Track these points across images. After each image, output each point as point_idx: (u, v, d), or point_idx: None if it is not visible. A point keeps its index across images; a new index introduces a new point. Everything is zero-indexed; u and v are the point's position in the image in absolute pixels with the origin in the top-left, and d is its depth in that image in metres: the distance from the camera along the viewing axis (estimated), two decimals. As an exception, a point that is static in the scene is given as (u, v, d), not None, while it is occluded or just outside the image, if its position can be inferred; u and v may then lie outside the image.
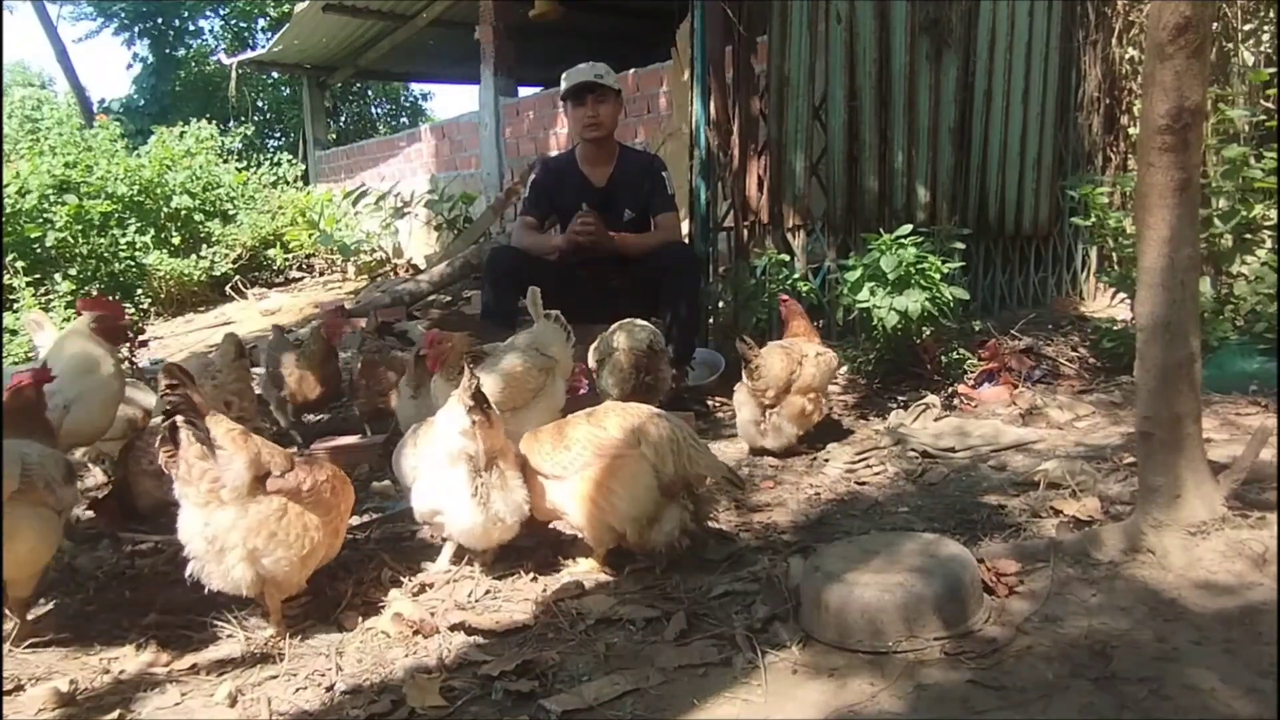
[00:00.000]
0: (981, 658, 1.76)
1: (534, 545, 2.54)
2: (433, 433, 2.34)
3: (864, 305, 3.88)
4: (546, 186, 4.29)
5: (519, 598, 2.25)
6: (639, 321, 3.63)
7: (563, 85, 4.14)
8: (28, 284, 5.94)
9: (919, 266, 3.79)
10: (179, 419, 1.87)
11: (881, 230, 4.00)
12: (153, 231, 8.22)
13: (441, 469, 2.28)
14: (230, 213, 9.73)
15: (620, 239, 4.07)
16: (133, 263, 6.64)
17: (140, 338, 6.34)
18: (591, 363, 3.59)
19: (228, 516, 1.90)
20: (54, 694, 1.81)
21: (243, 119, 14.97)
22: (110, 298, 3.54)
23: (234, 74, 12.23)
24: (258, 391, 4.12)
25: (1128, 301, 4.38)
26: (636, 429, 2.29)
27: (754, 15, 4.60)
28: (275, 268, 9.78)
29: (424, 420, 2.50)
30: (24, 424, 2.23)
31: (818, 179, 4.79)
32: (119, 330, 2.90)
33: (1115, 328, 4.30)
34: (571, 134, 4.42)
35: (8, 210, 6.21)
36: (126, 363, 5.87)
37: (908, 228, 3.92)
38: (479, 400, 2.19)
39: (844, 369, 4.28)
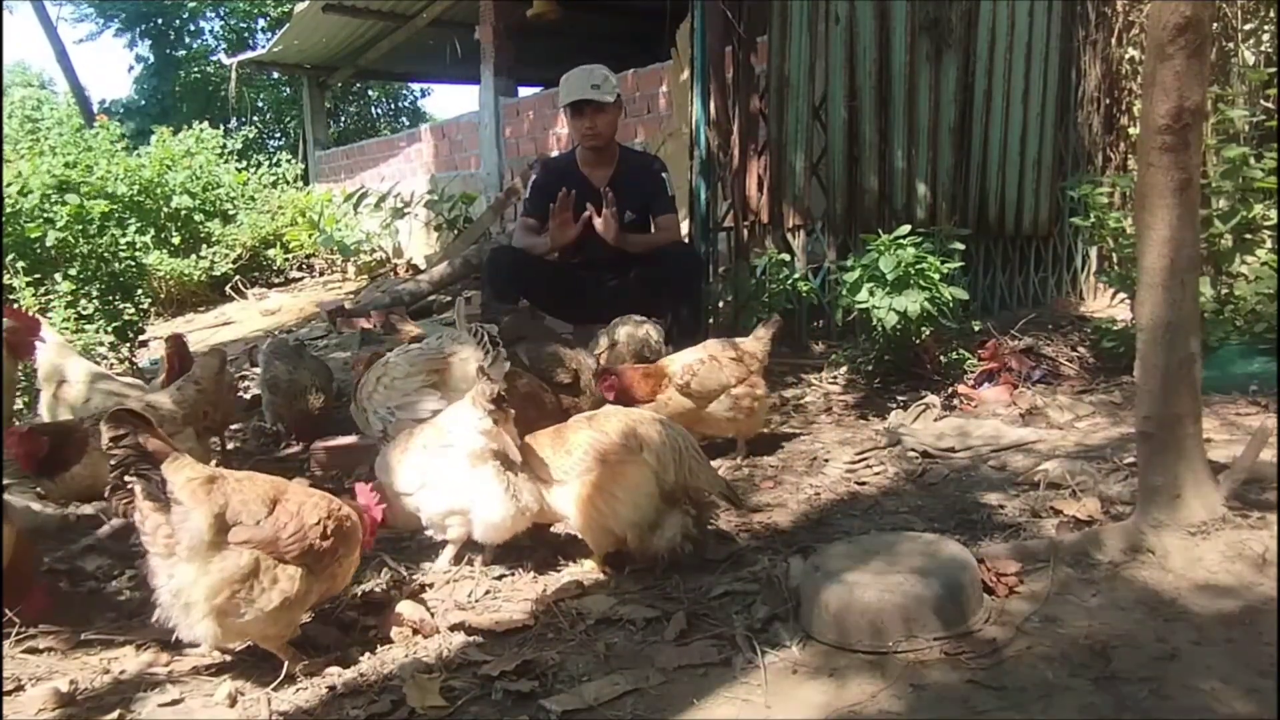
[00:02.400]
0: (981, 658, 1.76)
1: (534, 545, 2.54)
2: (443, 436, 2.34)
3: (863, 306, 3.88)
4: (547, 188, 4.29)
5: (519, 598, 2.25)
6: (639, 317, 3.65)
7: (560, 92, 4.14)
8: (27, 284, 5.92)
9: (918, 267, 3.79)
10: (129, 473, 1.74)
11: (881, 230, 4.00)
12: (153, 231, 8.22)
13: (461, 470, 2.29)
14: (230, 213, 9.73)
15: (622, 236, 4.07)
16: (133, 262, 6.63)
17: (140, 338, 6.36)
18: (596, 351, 3.61)
19: (189, 572, 1.77)
20: (54, 694, 1.81)
21: (244, 121, 14.97)
22: (29, 312, 3.58)
23: (234, 74, 12.24)
24: (254, 392, 4.14)
25: (1128, 301, 4.38)
26: (639, 434, 2.28)
27: (754, 15, 4.60)
28: (275, 268, 9.79)
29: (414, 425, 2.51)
30: None
31: (818, 179, 4.79)
32: (28, 346, 2.97)
33: (1115, 328, 4.29)
34: (572, 136, 4.43)
35: (8, 210, 6.20)
36: (127, 362, 5.90)
37: (906, 228, 3.92)
38: (498, 402, 2.22)
39: (844, 369, 4.28)
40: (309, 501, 1.92)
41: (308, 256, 9.80)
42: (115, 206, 7.08)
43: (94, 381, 3.22)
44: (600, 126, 4.10)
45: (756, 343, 3.32)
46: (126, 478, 1.75)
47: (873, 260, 3.85)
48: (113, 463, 1.74)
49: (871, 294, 3.84)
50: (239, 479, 1.90)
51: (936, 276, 3.81)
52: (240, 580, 1.79)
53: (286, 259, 9.71)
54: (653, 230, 4.23)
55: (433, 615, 2.12)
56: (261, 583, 1.81)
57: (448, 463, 2.31)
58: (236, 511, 1.81)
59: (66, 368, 3.27)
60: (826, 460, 3.25)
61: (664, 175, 4.23)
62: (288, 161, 11.42)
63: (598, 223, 3.94)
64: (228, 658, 1.99)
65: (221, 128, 11.31)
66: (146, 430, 1.78)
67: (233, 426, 3.79)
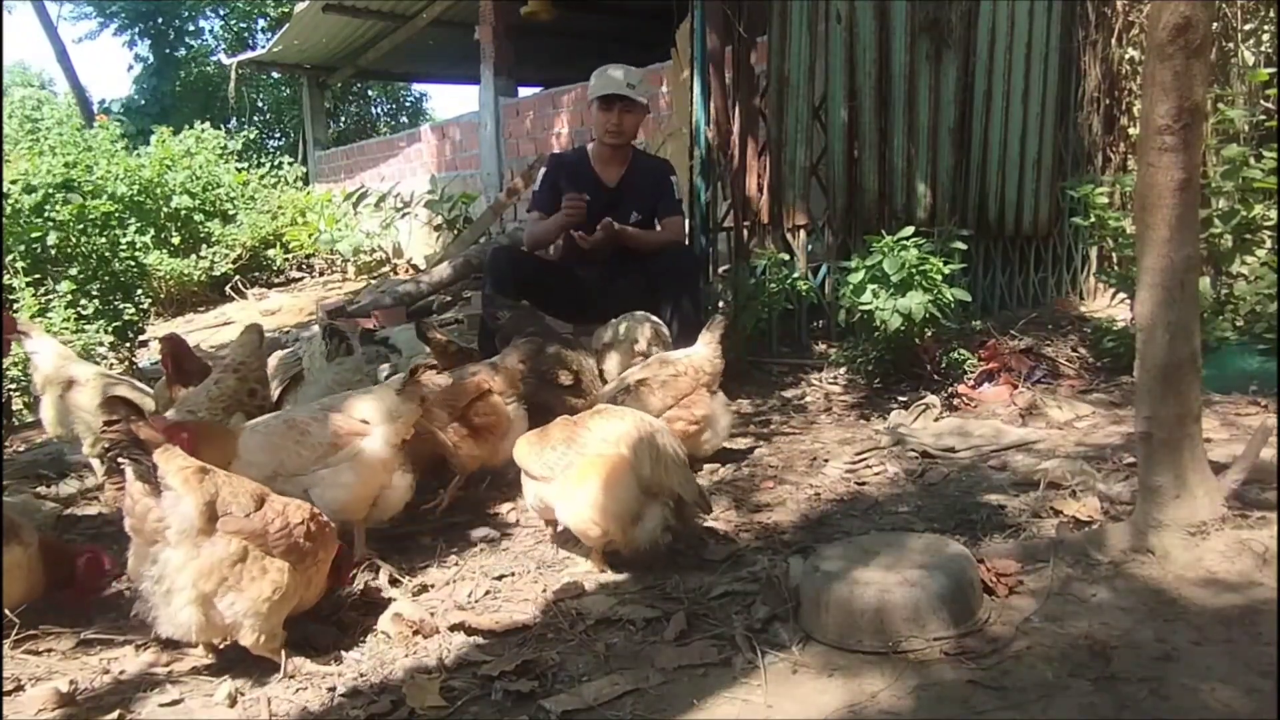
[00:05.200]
0: (981, 658, 1.76)
1: (534, 545, 2.54)
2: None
3: (867, 307, 3.88)
4: (556, 182, 4.29)
5: (519, 598, 2.25)
6: (646, 314, 3.67)
7: (593, 83, 4.16)
8: (27, 284, 5.92)
9: (921, 268, 3.79)
10: (121, 456, 1.78)
11: (882, 231, 4.00)
12: (153, 231, 8.22)
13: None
14: (230, 213, 9.73)
15: (623, 231, 4.08)
16: (133, 262, 6.63)
17: (140, 338, 6.36)
18: (596, 348, 3.64)
19: (177, 556, 1.80)
20: (54, 694, 1.81)
21: (244, 121, 14.98)
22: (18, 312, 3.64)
23: (234, 74, 12.24)
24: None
25: (1128, 301, 4.38)
26: (617, 430, 2.34)
27: (754, 15, 4.60)
28: (275, 268, 9.80)
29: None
30: None
31: (818, 179, 4.79)
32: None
33: (1115, 328, 4.30)
34: (591, 132, 4.46)
35: (9, 210, 6.20)
36: (127, 362, 5.89)
37: (910, 229, 3.92)
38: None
39: (844, 369, 4.28)
40: (292, 504, 1.99)
41: (308, 256, 9.81)
42: (116, 207, 7.08)
43: (105, 384, 3.22)
44: (626, 125, 4.16)
45: (704, 351, 3.11)
46: (120, 460, 1.79)
47: (877, 261, 3.85)
48: (105, 446, 1.81)
49: (876, 295, 3.84)
50: (228, 475, 1.94)
51: (939, 277, 3.81)
52: (229, 566, 1.82)
53: (286, 259, 9.72)
54: (658, 231, 4.24)
55: (432, 615, 2.12)
56: (251, 571, 1.84)
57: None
58: (226, 502, 1.86)
59: (73, 370, 3.28)
60: (827, 460, 3.25)
61: (673, 179, 4.29)
62: (289, 164, 11.42)
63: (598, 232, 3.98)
64: (228, 658, 1.99)
65: (222, 128, 11.31)
66: (139, 418, 1.82)
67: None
